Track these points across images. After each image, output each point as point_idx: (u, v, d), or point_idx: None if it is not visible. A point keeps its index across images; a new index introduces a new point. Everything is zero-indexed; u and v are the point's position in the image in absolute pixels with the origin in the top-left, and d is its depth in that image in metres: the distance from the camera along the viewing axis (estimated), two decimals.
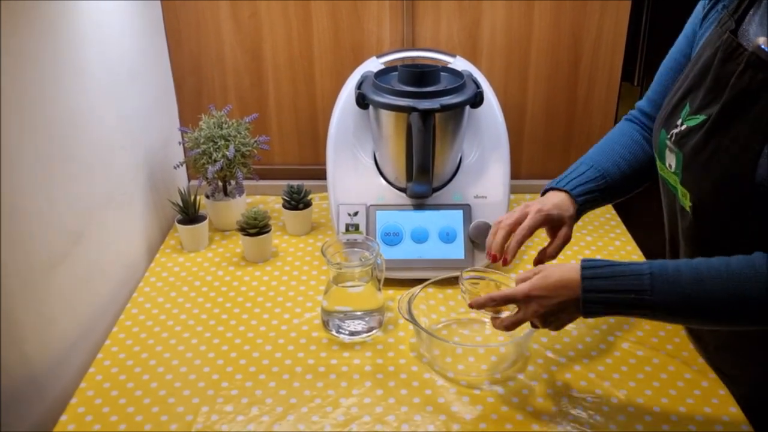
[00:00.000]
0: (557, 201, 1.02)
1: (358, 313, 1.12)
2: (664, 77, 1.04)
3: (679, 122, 0.90)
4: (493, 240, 1.01)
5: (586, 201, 1.03)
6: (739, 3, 0.88)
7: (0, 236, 0.88)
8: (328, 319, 1.13)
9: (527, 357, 1.07)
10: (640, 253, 1.36)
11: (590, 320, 1.15)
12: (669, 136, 0.92)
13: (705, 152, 0.85)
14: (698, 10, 0.98)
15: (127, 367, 1.05)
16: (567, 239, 1.02)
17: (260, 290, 1.25)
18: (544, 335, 1.11)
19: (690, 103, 0.90)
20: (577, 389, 1.00)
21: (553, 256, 1.02)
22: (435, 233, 1.27)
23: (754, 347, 0.97)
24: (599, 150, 1.08)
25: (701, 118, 0.86)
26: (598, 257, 1.20)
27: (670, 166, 0.92)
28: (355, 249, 1.15)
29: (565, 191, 1.03)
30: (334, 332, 1.13)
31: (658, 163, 0.97)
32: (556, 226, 1.02)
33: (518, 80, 1.54)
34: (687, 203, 0.90)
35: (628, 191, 1.10)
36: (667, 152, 0.93)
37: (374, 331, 1.13)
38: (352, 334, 1.12)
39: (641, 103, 1.10)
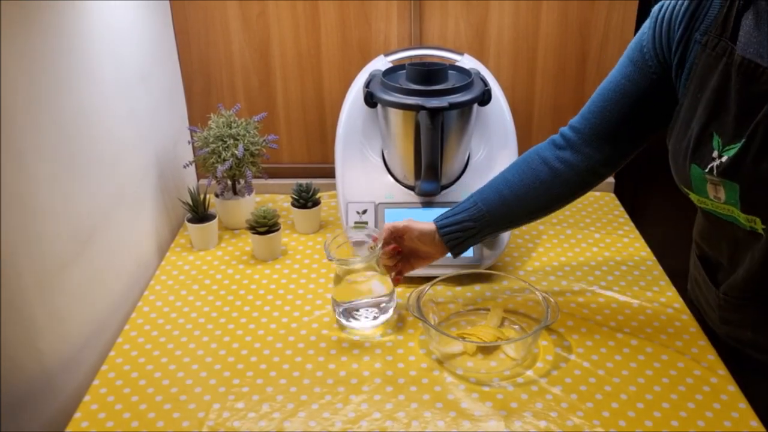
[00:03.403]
0: (423, 225, 1.12)
1: (369, 301, 1.12)
2: (601, 98, 1.03)
3: (714, 155, 0.87)
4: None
5: (450, 231, 1.10)
6: (724, 23, 0.85)
7: (14, 236, 0.89)
8: (338, 309, 1.14)
9: (536, 354, 1.07)
10: (648, 249, 1.36)
11: (598, 317, 1.15)
12: (707, 170, 0.88)
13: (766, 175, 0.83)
14: (651, 39, 0.95)
15: (139, 364, 1.06)
16: (394, 251, 1.13)
17: (270, 288, 1.26)
18: (553, 332, 1.12)
19: (717, 132, 0.87)
20: (586, 385, 1.01)
21: (385, 262, 1.14)
22: None
23: (751, 317, 0.99)
24: (494, 178, 1.13)
25: (739, 144, 0.84)
26: (609, 259, 1.20)
27: (717, 198, 0.89)
28: (361, 238, 1.14)
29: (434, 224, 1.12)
30: (344, 321, 1.13)
31: (695, 197, 0.94)
32: (399, 237, 1.13)
33: (526, 78, 1.54)
34: (760, 227, 0.88)
35: (522, 217, 1.12)
36: (709, 186, 0.90)
37: (385, 318, 1.13)
38: (363, 322, 1.12)
39: (574, 120, 1.08)
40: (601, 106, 1.03)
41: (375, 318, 1.13)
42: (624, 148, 1.05)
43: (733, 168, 0.85)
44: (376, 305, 1.13)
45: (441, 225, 1.10)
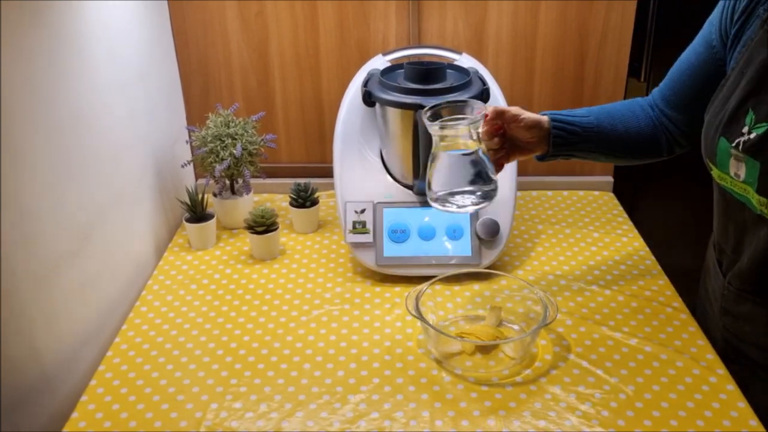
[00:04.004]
0: (533, 114, 1.07)
1: (471, 188, 1.00)
2: (676, 75, 1.06)
3: (744, 130, 0.89)
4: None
5: (560, 127, 1.06)
6: None
7: (11, 235, 0.89)
8: (434, 194, 1.02)
9: (534, 353, 1.07)
10: (647, 248, 1.36)
11: (597, 317, 1.15)
12: (734, 145, 0.90)
13: None
14: (719, 13, 0.98)
15: (137, 364, 1.06)
16: (498, 129, 1.05)
17: (268, 288, 1.26)
18: (551, 331, 1.12)
19: (753, 108, 0.88)
20: (585, 385, 1.00)
21: (489, 144, 1.05)
22: (442, 230, 1.27)
23: (750, 310, 1.00)
24: (604, 105, 1.13)
25: None
26: (607, 257, 1.20)
27: (737, 175, 0.91)
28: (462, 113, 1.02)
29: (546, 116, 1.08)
30: (439, 206, 1.02)
31: (717, 173, 0.95)
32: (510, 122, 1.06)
33: (524, 77, 1.54)
34: None
35: (618, 151, 1.11)
36: (732, 161, 0.91)
37: (485, 204, 1.02)
38: (461, 207, 1.02)
39: (656, 92, 1.11)
40: (673, 78, 1.06)
41: (474, 204, 1.01)
42: (698, 121, 1.05)
43: (759, 145, 0.87)
44: (476, 192, 1.01)
45: (554, 118, 1.07)
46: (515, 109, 1.05)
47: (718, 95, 0.96)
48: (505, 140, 1.06)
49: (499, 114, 1.04)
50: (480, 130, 1.00)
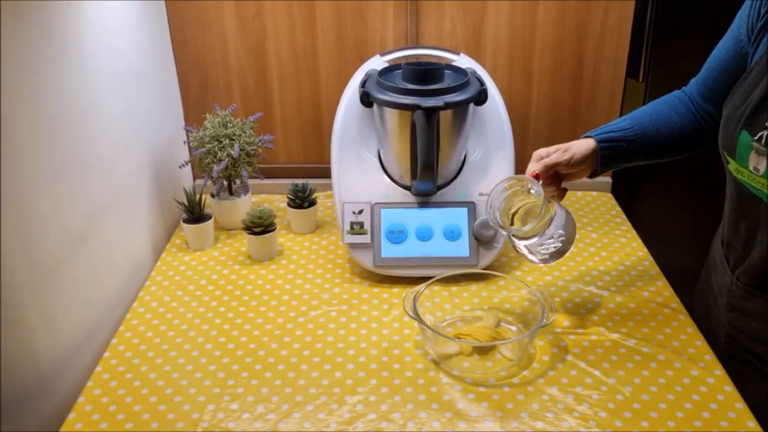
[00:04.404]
0: (580, 143, 1.09)
1: (550, 232, 1.06)
2: (708, 69, 1.07)
3: None
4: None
5: (607, 147, 1.08)
6: None
7: (8, 235, 0.88)
8: (523, 249, 1.09)
9: (532, 354, 1.07)
10: (645, 249, 1.36)
11: (595, 317, 1.15)
12: (756, 138, 0.90)
13: None
14: (748, 7, 0.98)
15: (134, 365, 1.06)
16: (553, 178, 1.09)
17: (266, 288, 1.25)
18: (549, 332, 1.12)
19: None
20: (582, 386, 1.00)
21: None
22: (440, 231, 1.27)
23: (758, 307, 1.00)
24: (644, 107, 1.13)
25: None
26: (605, 256, 1.20)
27: (756, 169, 0.91)
28: (515, 188, 1.08)
29: (591, 137, 1.09)
30: (531, 257, 1.09)
31: (734, 166, 0.95)
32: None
33: (522, 77, 1.54)
34: None
35: (663, 152, 1.12)
36: (752, 155, 0.91)
37: (570, 245, 1.09)
38: (549, 257, 1.08)
39: (692, 84, 1.12)
40: (706, 73, 1.08)
41: (556, 248, 1.07)
42: None
43: None
44: (558, 236, 1.07)
45: (601, 139, 1.08)
46: (559, 154, 1.07)
47: (739, 88, 0.96)
48: (559, 179, 1.10)
49: (549, 167, 1.07)
50: (542, 193, 1.03)
